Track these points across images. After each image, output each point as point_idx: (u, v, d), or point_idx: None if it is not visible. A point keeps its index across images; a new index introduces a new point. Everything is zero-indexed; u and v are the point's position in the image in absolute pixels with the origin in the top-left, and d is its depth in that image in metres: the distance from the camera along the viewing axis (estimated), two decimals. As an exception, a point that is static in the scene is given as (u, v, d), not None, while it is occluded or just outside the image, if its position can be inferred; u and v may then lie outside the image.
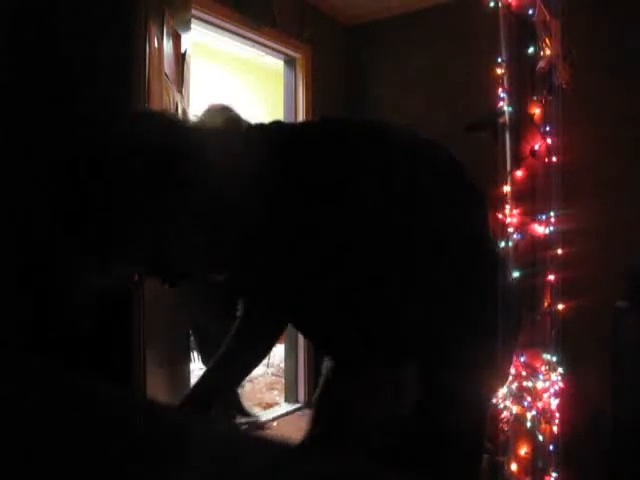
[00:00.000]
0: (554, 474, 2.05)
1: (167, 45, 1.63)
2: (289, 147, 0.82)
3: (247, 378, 3.25)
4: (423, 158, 0.88)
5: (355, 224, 0.78)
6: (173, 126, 0.81)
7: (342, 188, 0.78)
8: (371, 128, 0.88)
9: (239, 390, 3.05)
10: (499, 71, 2.15)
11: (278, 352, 3.88)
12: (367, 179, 0.79)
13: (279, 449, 0.35)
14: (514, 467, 2.03)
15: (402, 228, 0.80)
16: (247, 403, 3.14)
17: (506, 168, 2.09)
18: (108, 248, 0.79)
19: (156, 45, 1.48)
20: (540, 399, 2.03)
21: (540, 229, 2.03)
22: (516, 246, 2.04)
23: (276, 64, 3.69)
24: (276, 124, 0.90)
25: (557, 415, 2.09)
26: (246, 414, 2.99)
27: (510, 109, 2.08)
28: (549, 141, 2.06)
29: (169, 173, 0.75)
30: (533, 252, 2.03)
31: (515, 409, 2.04)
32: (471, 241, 0.87)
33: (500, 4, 2.09)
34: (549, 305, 2.05)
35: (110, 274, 1.08)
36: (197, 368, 3.32)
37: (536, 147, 2.04)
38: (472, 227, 0.90)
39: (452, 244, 0.83)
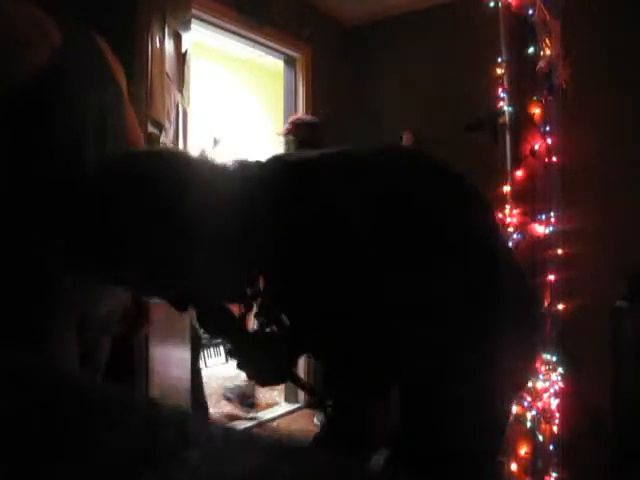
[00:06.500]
0: (554, 474, 2.05)
1: (168, 45, 1.64)
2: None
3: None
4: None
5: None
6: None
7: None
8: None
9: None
10: (499, 71, 2.15)
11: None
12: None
13: (277, 449, 0.35)
14: (514, 467, 2.03)
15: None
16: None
17: (506, 168, 2.09)
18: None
19: (158, 45, 1.49)
20: (540, 399, 2.03)
21: (540, 229, 2.04)
22: (516, 246, 2.04)
23: (276, 64, 3.69)
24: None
25: (557, 415, 2.09)
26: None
27: (510, 109, 2.08)
28: (549, 141, 2.06)
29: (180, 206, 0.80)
30: (533, 252, 2.03)
31: (515, 409, 2.04)
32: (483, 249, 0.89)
33: (500, 4, 2.09)
34: (549, 305, 2.05)
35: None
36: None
37: (536, 147, 2.04)
38: (481, 231, 0.92)
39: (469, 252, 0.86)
